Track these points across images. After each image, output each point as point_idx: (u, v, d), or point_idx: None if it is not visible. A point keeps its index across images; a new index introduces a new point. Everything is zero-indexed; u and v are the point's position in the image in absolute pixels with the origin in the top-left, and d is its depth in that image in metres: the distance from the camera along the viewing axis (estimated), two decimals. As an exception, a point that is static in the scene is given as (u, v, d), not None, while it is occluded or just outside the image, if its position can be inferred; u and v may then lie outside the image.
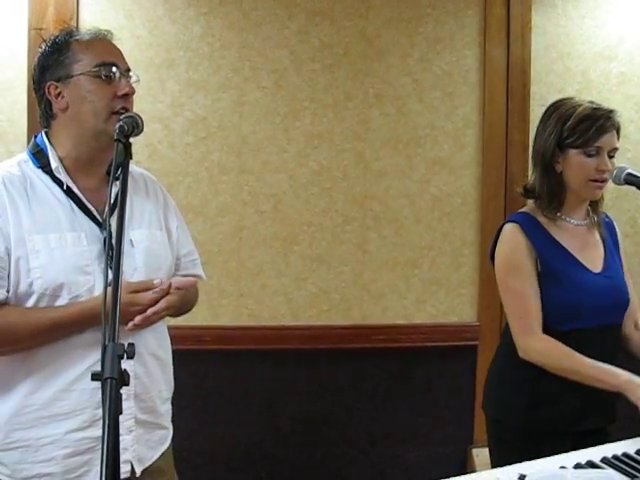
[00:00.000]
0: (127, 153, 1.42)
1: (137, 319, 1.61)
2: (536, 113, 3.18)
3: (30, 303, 1.61)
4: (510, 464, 1.54)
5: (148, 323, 1.66)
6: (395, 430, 3.31)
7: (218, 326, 3.09)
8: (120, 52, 1.75)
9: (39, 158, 1.69)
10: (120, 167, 1.38)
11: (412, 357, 3.27)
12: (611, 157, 1.99)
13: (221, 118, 3.10)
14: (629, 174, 1.96)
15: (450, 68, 3.22)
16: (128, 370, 1.60)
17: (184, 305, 1.88)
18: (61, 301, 1.61)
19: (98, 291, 1.62)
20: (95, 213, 1.69)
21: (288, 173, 3.15)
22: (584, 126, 1.96)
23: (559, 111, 2.02)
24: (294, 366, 3.21)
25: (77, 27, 2.93)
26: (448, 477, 3.25)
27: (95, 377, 1.15)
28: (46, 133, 1.72)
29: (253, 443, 3.18)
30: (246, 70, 3.11)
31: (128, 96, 1.69)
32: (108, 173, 1.72)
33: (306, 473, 3.27)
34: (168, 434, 1.88)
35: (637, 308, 2.14)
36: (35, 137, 1.74)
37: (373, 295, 3.23)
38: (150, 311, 1.63)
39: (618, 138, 2.01)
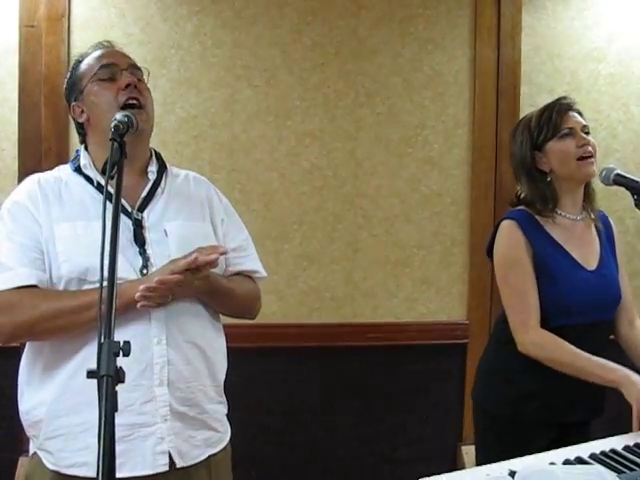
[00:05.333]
0: (122, 152, 1.42)
1: (141, 287, 1.58)
2: (525, 113, 3.18)
3: (61, 287, 1.65)
4: (495, 453, 1.56)
5: (158, 295, 1.60)
6: (385, 428, 3.32)
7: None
8: (122, 54, 1.84)
9: (75, 163, 1.80)
10: (115, 166, 1.38)
11: (402, 355, 3.28)
12: (587, 134, 2.03)
13: (212, 117, 3.10)
14: (618, 175, 1.97)
15: (441, 68, 3.24)
16: (160, 354, 1.64)
17: (230, 297, 1.84)
18: (89, 285, 1.63)
19: (125, 274, 1.64)
20: (127, 206, 1.73)
21: (279, 172, 3.15)
22: (546, 116, 2.04)
23: (521, 123, 2.13)
24: (284, 364, 3.21)
25: (68, 25, 2.94)
26: (438, 474, 3.27)
27: (91, 375, 1.14)
28: (85, 146, 1.83)
29: (242, 442, 3.15)
30: (238, 69, 3.11)
31: (132, 87, 1.73)
32: (145, 171, 1.81)
33: (296, 471, 3.27)
34: (220, 438, 1.82)
35: (632, 305, 2.16)
36: (77, 150, 1.85)
37: (364, 293, 3.24)
38: (155, 280, 1.58)
39: (583, 118, 2.07)
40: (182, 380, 1.69)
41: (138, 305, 1.59)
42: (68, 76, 1.84)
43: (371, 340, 3.23)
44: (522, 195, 2.10)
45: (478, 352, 3.28)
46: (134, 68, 1.81)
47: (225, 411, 1.88)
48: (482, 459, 2.08)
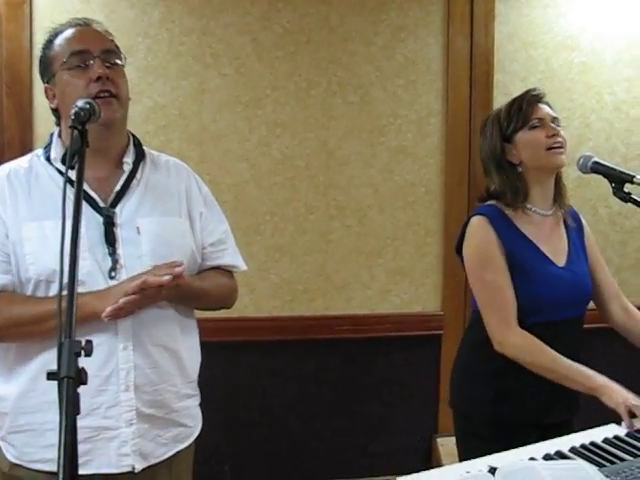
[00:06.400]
0: (83, 140, 1.35)
1: (108, 309, 1.56)
2: (499, 102, 3.16)
3: (29, 290, 1.62)
4: (479, 457, 1.52)
5: (123, 313, 1.59)
6: (359, 420, 3.30)
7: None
8: (98, 36, 1.72)
9: (47, 151, 1.73)
10: (75, 155, 1.31)
11: (376, 347, 3.26)
12: (557, 126, 2.00)
13: (181, 106, 3.04)
14: (595, 162, 1.95)
15: (413, 56, 3.20)
16: (126, 360, 1.62)
17: (203, 297, 1.80)
18: (55, 287, 1.58)
19: (92, 278, 1.60)
20: (98, 200, 1.66)
21: (250, 162, 3.10)
22: (515, 108, 2.00)
23: (491, 116, 2.08)
24: (257, 358, 3.18)
25: (30, 11, 2.85)
26: (413, 466, 3.25)
27: (51, 376, 1.09)
28: (59, 131, 1.75)
29: (215, 436, 3.13)
30: (207, 57, 3.05)
31: (104, 79, 1.63)
32: (121, 162, 1.73)
33: (270, 466, 3.24)
34: (190, 432, 1.81)
35: (619, 292, 2.13)
36: (52, 134, 1.77)
37: (337, 285, 3.21)
38: (122, 301, 1.56)
39: (552, 110, 2.04)
40: (149, 384, 1.67)
41: (104, 319, 1.57)
42: (41, 53, 1.74)
43: (345, 332, 3.20)
44: (492, 188, 2.06)
45: (453, 343, 3.28)
46: (108, 53, 1.69)
47: (197, 403, 1.87)
48: None
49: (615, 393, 1.76)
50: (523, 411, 1.96)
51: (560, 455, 1.48)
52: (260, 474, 3.23)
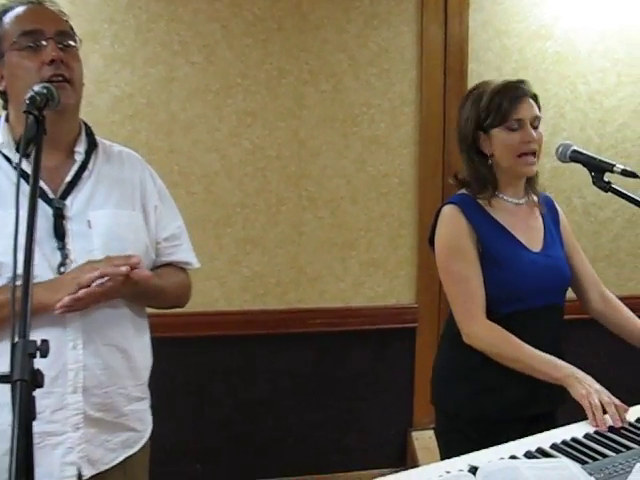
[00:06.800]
0: (40, 127, 1.27)
1: (65, 299, 1.47)
2: None
3: None
4: (461, 453, 1.48)
5: (81, 305, 1.50)
6: (334, 415, 3.26)
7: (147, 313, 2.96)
8: (51, 16, 1.62)
9: None
10: (30, 143, 1.23)
11: (350, 341, 3.22)
12: (535, 127, 1.93)
13: (149, 95, 2.96)
14: (575, 151, 1.90)
15: (387, 44, 3.14)
16: (75, 360, 1.53)
17: (160, 295, 1.73)
18: (2, 281, 1.50)
19: (40, 273, 1.49)
20: (48, 191, 1.57)
21: (220, 152, 3.04)
22: (497, 101, 1.90)
23: (473, 94, 1.97)
24: (228, 353, 3.13)
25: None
26: (388, 461, 3.24)
27: (3, 379, 1.01)
28: (6, 115, 1.65)
29: (186, 435, 3.09)
30: (175, 44, 2.97)
31: (58, 62, 1.54)
32: (72, 151, 1.64)
33: (244, 462, 3.19)
34: (139, 437, 1.73)
35: (597, 279, 2.10)
36: None
37: (309, 278, 3.17)
38: (82, 292, 1.48)
39: (539, 107, 1.96)
40: (99, 386, 1.59)
41: (56, 312, 1.48)
42: None
43: (318, 326, 3.16)
44: (462, 175, 2.00)
45: (428, 335, 3.27)
46: (62, 35, 1.59)
47: (147, 406, 1.79)
48: None
49: (581, 384, 1.71)
50: (506, 405, 1.92)
51: (541, 452, 1.44)
52: (233, 471, 3.18)
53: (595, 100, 3.37)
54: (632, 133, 3.44)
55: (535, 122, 1.92)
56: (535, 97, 1.96)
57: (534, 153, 1.92)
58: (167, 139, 2.99)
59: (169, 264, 1.80)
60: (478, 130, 1.94)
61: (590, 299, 2.07)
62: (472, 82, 3.15)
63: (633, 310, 3.43)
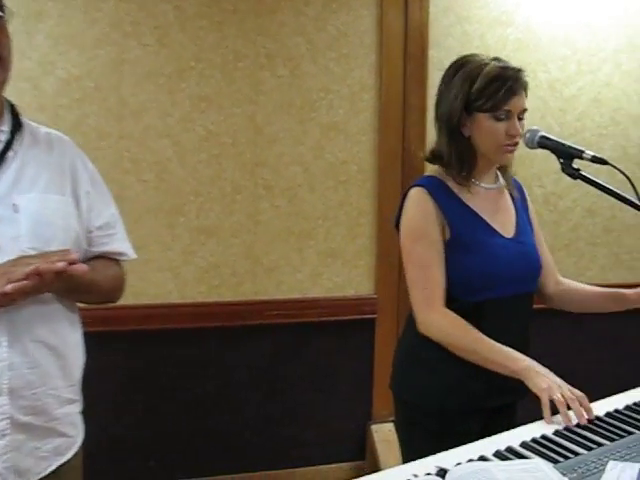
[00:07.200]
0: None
1: None
2: (434, 77, 3.10)
3: None
4: (423, 448, 1.42)
5: (7, 301, 1.39)
6: (292, 409, 3.20)
7: (96, 306, 2.85)
8: None
9: None
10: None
11: (308, 333, 3.16)
12: (520, 119, 1.87)
13: (98, 78, 2.84)
14: (543, 137, 1.84)
15: (346, 28, 3.07)
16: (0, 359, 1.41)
17: (94, 290, 1.62)
18: None
19: None
20: None
21: (173, 139, 2.94)
22: (493, 88, 1.80)
23: (465, 70, 1.85)
24: (183, 346, 3.04)
25: None
26: (348, 454, 3.18)
27: None
28: None
29: (139, 430, 2.99)
30: (125, 25, 2.85)
31: None
32: None
33: (200, 458, 3.12)
34: (72, 443, 1.63)
35: (555, 267, 2.07)
36: None
37: (266, 268, 3.09)
38: (10, 287, 1.36)
39: (526, 98, 1.89)
40: (27, 387, 1.47)
41: None
42: None
43: (275, 318, 3.09)
44: (438, 151, 1.92)
45: (387, 327, 3.22)
46: None
47: (79, 410, 1.68)
48: (410, 456, 1.95)
49: (540, 378, 1.65)
50: (468, 396, 1.86)
51: (512, 452, 1.38)
52: (189, 468, 3.09)
53: (555, 88, 3.35)
54: (591, 122, 3.43)
55: (521, 114, 1.86)
56: (527, 88, 1.89)
57: (516, 144, 1.86)
58: (117, 124, 2.87)
59: (102, 256, 1.69)
60: (463, 110, 1.84)
61: (546, 285, 2.03)
62: (433, 68, 3.13)
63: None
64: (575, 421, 1.55)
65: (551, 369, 1.70)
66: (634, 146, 3.49)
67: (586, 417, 1.56)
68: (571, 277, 3.60)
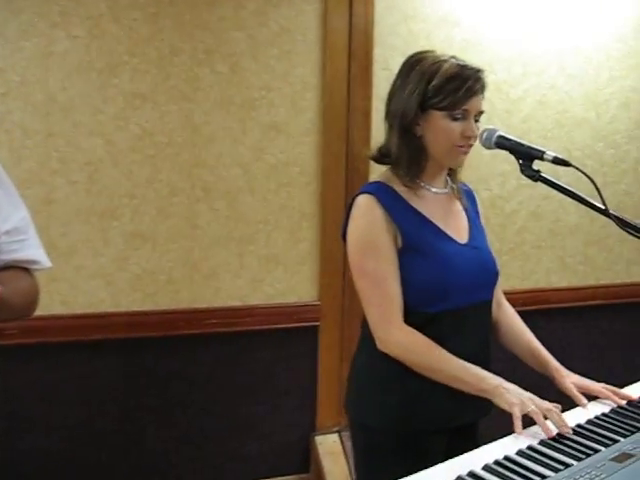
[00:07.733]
0: None
1: None
2: (379, 77, 3.04)
3: None
4: (380, 468, 1.33)
5: None
6: (232, 422, 3.09)
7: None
8: None
9: None
10: None
11: (249, 341, 3.06)
12: (476, 121, 1.79)
13: (23, 71, 2.67)
14: (501, 137, 1.76)
15: (288, 24, 2.96)
16: None
17: (4, 308, 1.40)
18: None
19: None
20: None
21: (105, 137, 2.79)
22: (452, 86, 1.72)
23: (422, 66, 1.76)
24: (116, 358, 2.90)
25: None
26: (291, 468, 3.09)
27: None
28: None
29: (69, 448, 2.84)
30: (54, 15, 2.69)
31: None
32: None
33: (134, 476, 2.97)
34: None
35: (499, 287, 1.98)
36: None
37: (204, 275, 2.97)
38: None
39: (483, 99, 1.81)
40: None
41: None
42: None
43: (213, 327, 2.98)
44: (386, 150, 1.82)
45: (331, 334, 3.14)
46: None
47: None
48: (366, 477, 1.85)
49: (510, 394, 1.62)
50: (431, 416, 1.78)
51: (473, 476, 1.30)
52: (121, 485, 2.94)
53: (502, 90, 3.31)
54: (537, 124, 3.40)
55: (478, 116, 1.79)
56: (485, 88, 1.80)
57: (470, 146, 1.78)
58: (44, 121, 2.71)
59: (11, 266, 1.53)
60: (418, 108, 1.75)
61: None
62: (378, 67, 3.06)
63: (536, 302, 3.45)
64: (555, 431, 1.52)
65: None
66: (578, 149, 3.49)
67: (568, 427, 1.53)
68: (517, 281, 3.58)
